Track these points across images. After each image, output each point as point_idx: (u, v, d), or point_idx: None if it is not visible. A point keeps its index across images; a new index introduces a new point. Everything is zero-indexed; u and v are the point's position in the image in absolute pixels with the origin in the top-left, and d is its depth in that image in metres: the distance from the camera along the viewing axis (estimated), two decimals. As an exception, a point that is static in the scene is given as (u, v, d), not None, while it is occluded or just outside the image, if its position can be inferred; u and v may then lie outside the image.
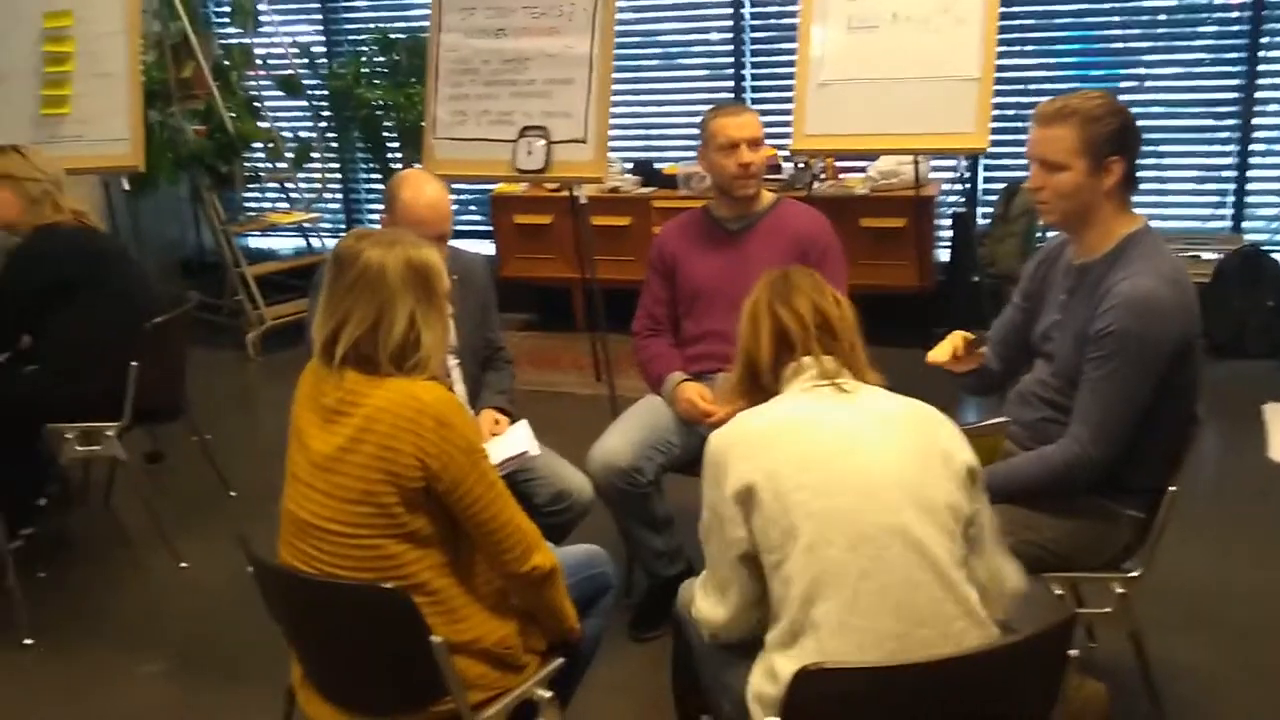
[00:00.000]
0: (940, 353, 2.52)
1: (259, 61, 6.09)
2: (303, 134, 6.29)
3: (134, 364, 3.38)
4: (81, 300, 3.45)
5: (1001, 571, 1.85)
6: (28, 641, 3.13)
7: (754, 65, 5.83)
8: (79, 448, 3.44)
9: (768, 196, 3.14)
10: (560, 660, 2.09)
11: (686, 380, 2.99)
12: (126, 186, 5.23)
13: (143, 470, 4.20)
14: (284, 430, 2.00)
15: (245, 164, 5.88)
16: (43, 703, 2.89)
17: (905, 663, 1.62)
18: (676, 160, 5.77)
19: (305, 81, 6.20)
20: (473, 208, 6.39)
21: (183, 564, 3.57)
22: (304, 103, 6.29)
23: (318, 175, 6.43)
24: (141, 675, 2.98)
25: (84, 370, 3.42)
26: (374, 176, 6.40)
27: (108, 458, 3.52)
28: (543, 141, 4.19)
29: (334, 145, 6.41)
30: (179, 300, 3.79)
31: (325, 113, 6.20)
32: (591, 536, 2.48)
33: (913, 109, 4.17)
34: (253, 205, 6.52)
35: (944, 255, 5.36)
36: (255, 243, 6.55)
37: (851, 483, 1.72)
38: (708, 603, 1.86)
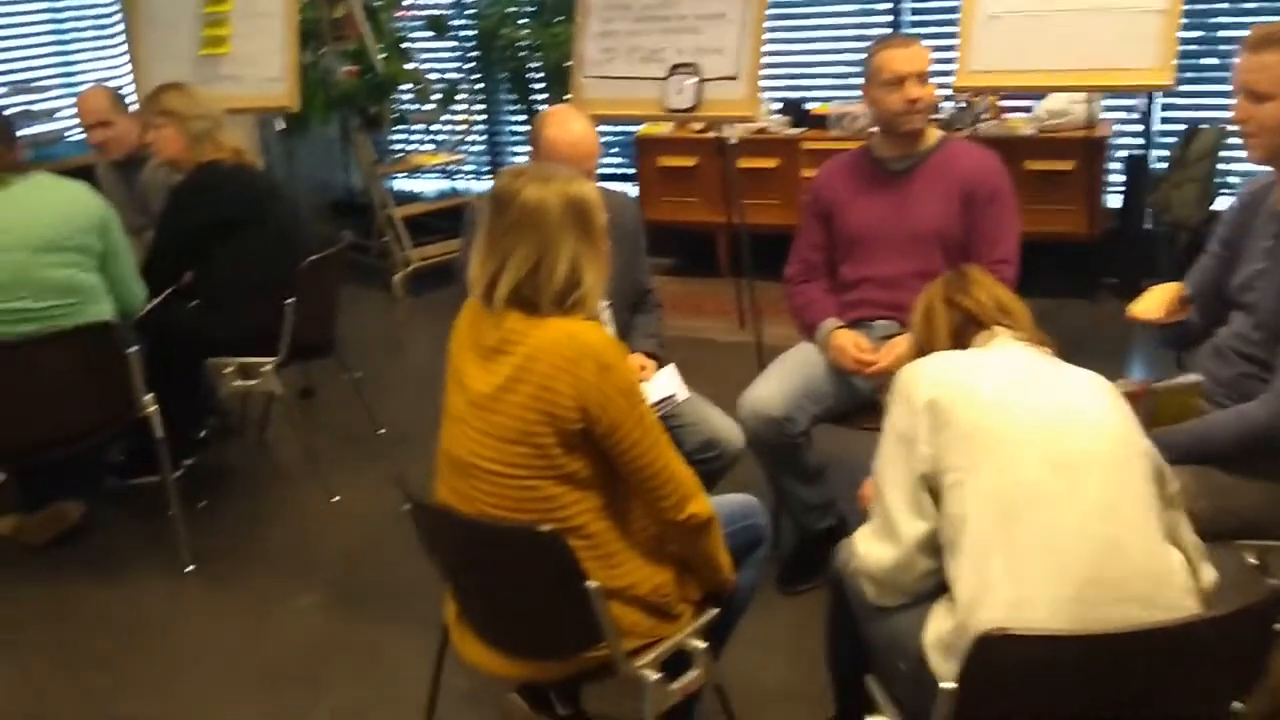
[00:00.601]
0: (1150, 307, 2.36)
1: (406, 2, 6.10)
2: (449, 75, 6.30)
3: (290, 301, 3.43)
4: (240, 238, 3.52)
5: (1200, 549, 1.73)
6: (189, 569, 3.23)
7: (912, -1, 5.58)
8: (237, 382, 3.52)
9: (934, 135, 2.98)
10: (715, 611, 2.03)
11: (841, 327, 2.87)
12: (280, 126, 5.31)
13: (296, 406, 4.29)
14: (430, 370, 1.98)
15: (393, 105, 5.92)
16: (202, 628, 2.99)
17: (1097, 632, 1.51)
18: (827, 100, 5.57)
19: (451, 22, 6.20)
20: (615, 150, 6.32)
21: (335, 498, 3.64)
22: (450, 43, 6.29)
23: (463, 116, 6.45)
24: (296, 607, 3.05)
25: (243, 306, 3.50)
26: (519, 118, 6.39)
27: (265, 392, 3.61)
28: (694, 79, 4.08)
29: (480, 86, 6.40)
30: (331, 240, 3.83)
31: (472, 53, 6.19)
32: (739, 486, 2.41)
33: (1090, 43, 3.90)
34: (398, 147, 6.58)
35: (1114, 201, 5.06)
36: (401, 184, 6.61)
37: (1052, 405, 1.66)
38: (874, 547, 1.77)
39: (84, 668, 2.83)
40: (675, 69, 4.13)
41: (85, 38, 6.37)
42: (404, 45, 5.98)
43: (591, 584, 1.80)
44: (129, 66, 6.51)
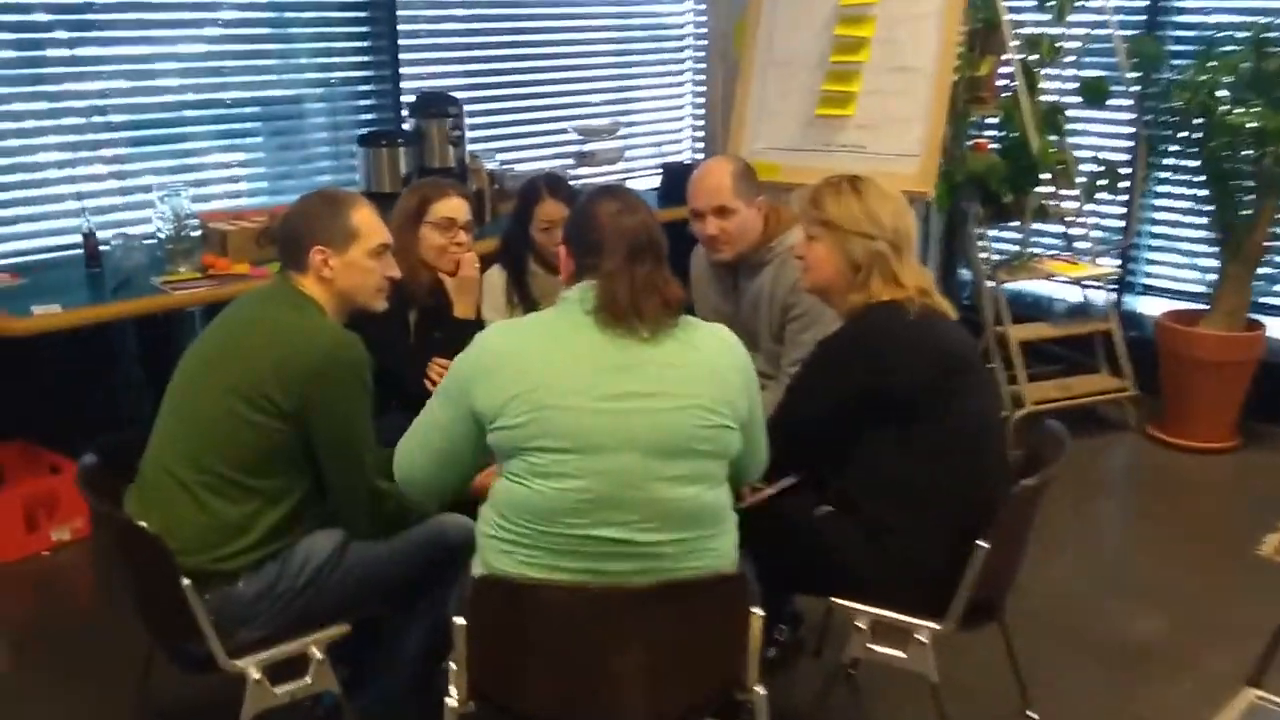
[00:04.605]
0: None
1: (1068, 60, 4.65)
2: (1104, 157, 4.76)
3: (982, 545, 2.13)
4: (915, 426, 2.27)
5: None
6: None
7: None
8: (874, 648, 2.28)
9: None
10: None
11: None
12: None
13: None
14: None
15: (1034, 194, 4.50)
16: None
17: None
18: None
19: (1113, 88, 4.67)
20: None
21: None
22: (1117, 115, 4.78)
23: (1117, 213, 4.91)
24: None
25: (898, 537, 2.27)
26: (1199, 223, 4.70)
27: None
28: None
29: (1161, 176, 4.81)
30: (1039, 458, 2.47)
31: (1154, 131, 4.62)
32: None
33: None
34: (1005, 246, 5.13)
35: None
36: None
37: None
38: None
39: None
40: None
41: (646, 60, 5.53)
42: (1058, 117, 4.53)
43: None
44: (698, 104, 5.68)
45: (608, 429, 1.90)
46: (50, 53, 3.85)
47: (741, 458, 2.07)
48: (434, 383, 2.76)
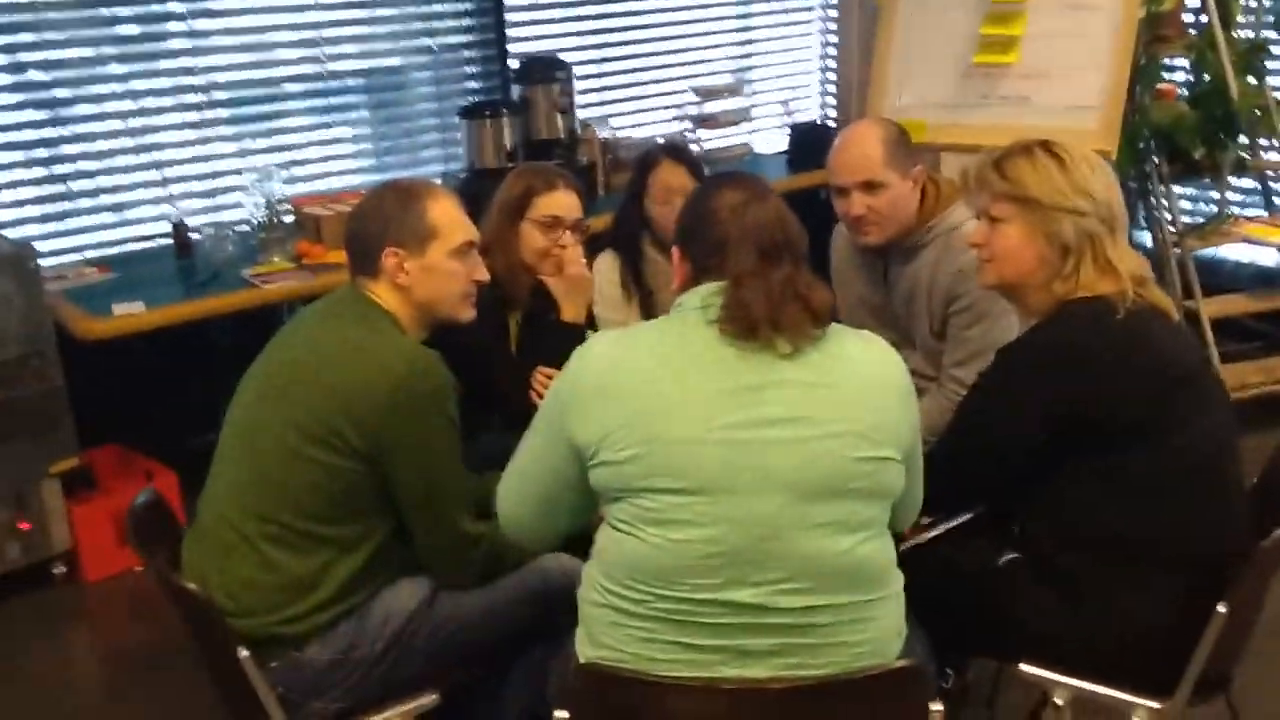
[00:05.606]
0: None
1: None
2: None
3: (1223, 608, 1.66)
4: (1120, 454, 1.82)
5: None
6: None
7: None
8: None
9: None
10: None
11: None
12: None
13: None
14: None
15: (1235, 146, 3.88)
16: None
17: None
18: None
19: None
20: None
21: None
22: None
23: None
24: None
25: (1102, 586, 1.81)
26: None
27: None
28: None
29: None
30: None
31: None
32: None
33: None
34: (1196, 204, 4.49)
35: None
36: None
37: None
38: None
39: None
40: None
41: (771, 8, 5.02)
42: (1258, 56, 3.90)
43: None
44: (829, 55, 5.16)
45: (739, 464, 1.51)
46: (127, 29, 3.60)
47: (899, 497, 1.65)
48: (540, 395, 2.39)
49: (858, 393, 1.57)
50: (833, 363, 1.58)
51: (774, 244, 1.61)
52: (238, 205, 3.72)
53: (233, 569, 1.83)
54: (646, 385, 1.56)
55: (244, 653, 1.73)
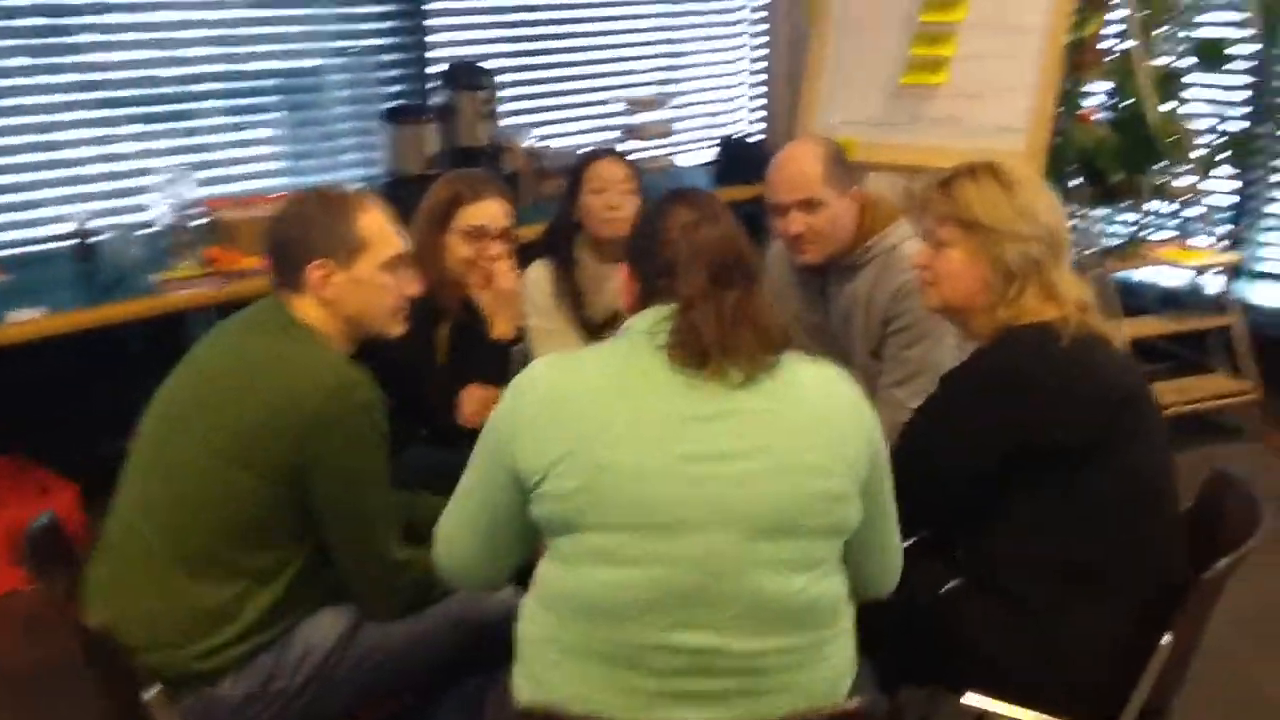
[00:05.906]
0: None
1: (1176, 17, 4.09)
2: (1222, 128, 4.21)
3: (1166, 639, 1.65)
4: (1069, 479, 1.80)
5: None
6: None
7: None
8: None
9: None
10: None
11: None
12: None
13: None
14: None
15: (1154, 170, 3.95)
16: None
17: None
18: None
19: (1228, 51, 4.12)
20: None
21: None
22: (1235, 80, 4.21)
23: (1233, 190, 4.35)
24: None
25: (1052, 616, 1.78)
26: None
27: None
28: None
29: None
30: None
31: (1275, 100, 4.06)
32: None
33: None
34: (1111, 226, 4.56)
35: None
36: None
37: None
38: None
39: None
40: None
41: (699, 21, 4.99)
42: (1173, 82, 3.98)
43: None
44: (758, 71, 5.14)
45: (690, 501, 1.45)
46: (38, 21, 3.41)
47: (860, 551, 1.59)
48: (468, 417, 2.30)
49: (812, 423, 1.52)
50: (786, 390, 1.53)
51: (725, 265, 1.55)
52: (145, 207, 3.55)
53: (142, 598, 1.71)
54: (592, 409, 1.49)
55: (152, 692, 1.61)
